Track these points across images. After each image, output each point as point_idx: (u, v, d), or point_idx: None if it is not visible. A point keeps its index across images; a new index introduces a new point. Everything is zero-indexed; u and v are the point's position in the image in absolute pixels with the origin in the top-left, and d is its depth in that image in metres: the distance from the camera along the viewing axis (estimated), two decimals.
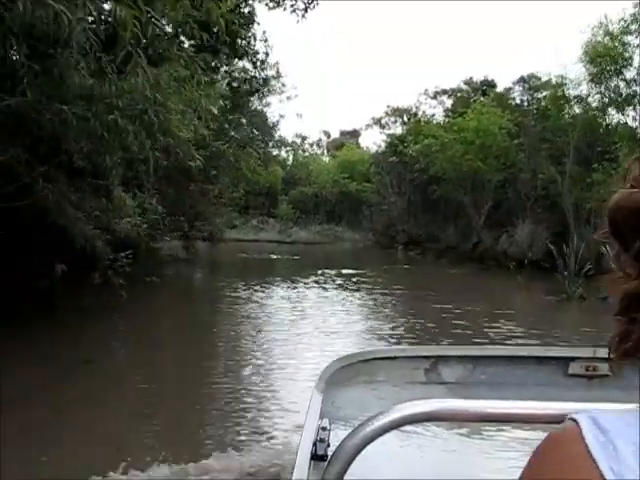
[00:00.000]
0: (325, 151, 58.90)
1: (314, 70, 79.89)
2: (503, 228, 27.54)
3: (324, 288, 18.88)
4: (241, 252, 30.97)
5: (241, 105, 28.22)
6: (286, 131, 66.65)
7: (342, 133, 59.43)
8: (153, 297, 15.08)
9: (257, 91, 28.22)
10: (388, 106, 37.62)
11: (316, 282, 20.02)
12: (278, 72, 30.35)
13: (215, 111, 11.57)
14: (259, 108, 31.98)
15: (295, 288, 18.78)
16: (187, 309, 14.42)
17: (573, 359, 1.75)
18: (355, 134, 57.02)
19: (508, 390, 1.72)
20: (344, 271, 23.36)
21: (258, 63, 23.27)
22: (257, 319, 13.66)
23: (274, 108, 39.87)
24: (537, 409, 1.05)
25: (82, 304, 12.70)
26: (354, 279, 21.09)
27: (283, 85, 31.28)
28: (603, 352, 1.47)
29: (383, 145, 38.83)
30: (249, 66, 22.72)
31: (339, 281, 20.41)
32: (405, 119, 36.22)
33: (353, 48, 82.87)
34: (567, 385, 1.72)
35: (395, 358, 1.85)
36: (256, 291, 17.54)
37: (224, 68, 19.32)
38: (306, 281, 20.00)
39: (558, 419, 0.62)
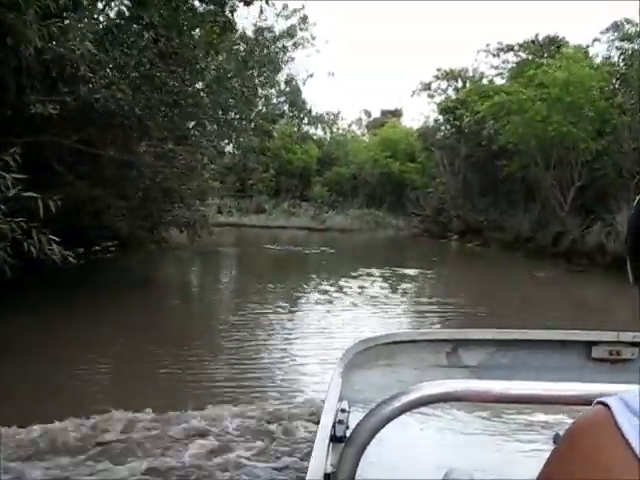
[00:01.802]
0: (365, 131, 52.70)
1: (353, 45, 72.61)
2: (592, 214, 20.28)
3: (381, 311, 11.62)
4: (265, 243, 24.50)
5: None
6: (322, 107, 60.29)
7: (383, 112, 53.94)
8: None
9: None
10: (439, 69, 30.34)
11: (364, 299, 12.91)
12: (305, 19, 23.58)
13: None
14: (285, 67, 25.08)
15: (333, 309, 11.69)
16: None
17: (596, 343, 1.70)
18: (397, 113, 51.76)
19: (529, 373, 1.64)
20: (398, 270, 17.00)
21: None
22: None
23: (304, 65, 33.16)
24: (559, 391, 1.00)
25: None
26: (412, 286, 14.64)
27: (312, 37, 24.59)
28: (627, 336, 1.65)
29: (432, 117, 31.77)
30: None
31: (395, 299, 13.37)
32: (460, 83, 28.85)
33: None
34: (590, 369, 1.64)
35: (416, 342, 1.80)
36: (274, 328, 10.05)
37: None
38: (350, 295, 13.12)
39: (581, 401, 0.63)
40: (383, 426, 1.05)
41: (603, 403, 0.53)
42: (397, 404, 1.04)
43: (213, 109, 13.01)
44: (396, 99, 75.93)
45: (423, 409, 1.12)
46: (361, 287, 13.96)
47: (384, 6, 63.34)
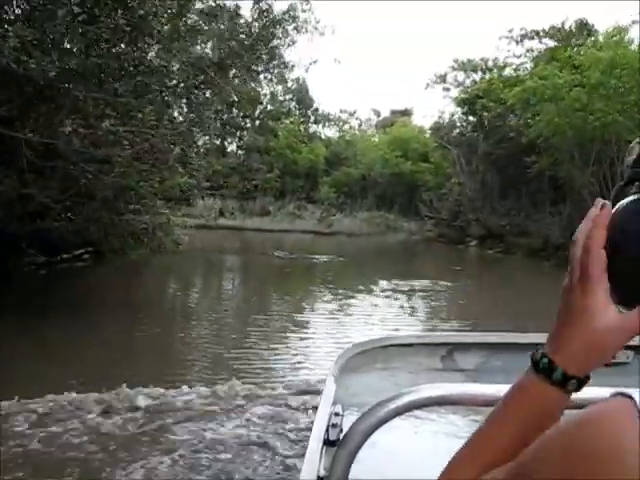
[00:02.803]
0: (374, 130, 50.16)
1: (361, 44, 69.67)
2: None
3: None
4: (268, 249, 21.58)
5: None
6: (329, 107, 57.34)
7: (393, 112, 51.39)
8: None
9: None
10: (455, 60, 27.20)
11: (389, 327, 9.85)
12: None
13: None
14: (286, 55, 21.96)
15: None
16: None
17: None
18: (407, 113, 49.14)
19: None
20: (419, 283, 14.15)
21: None
22: None
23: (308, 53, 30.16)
24: None
25: None
26: (440, 304, 12.24)
27: (317, 22, 21.55)
28: None
29: (448, 112, 28.67)
30: None
31: (428, 323, 10.71)
32: (480, 74, 25.71)
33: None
34: (596, 372, 1.17)
35: (411, 345, 1.75)
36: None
37: None
38: (370, 324, 10.06)
39: (577, 404, 0.61)
40: (376, 429, 1.04)
41: (624, 394, 0.52)
42: (390, 407, 1.04)
43: (179, 82, 9.93)
44: (406, 99, 72.96)
45: (418, 413, 1.18)
46: (378, 306, 11.13)
47: (391, 4, 60.06)
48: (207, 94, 12.21)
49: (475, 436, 0.65)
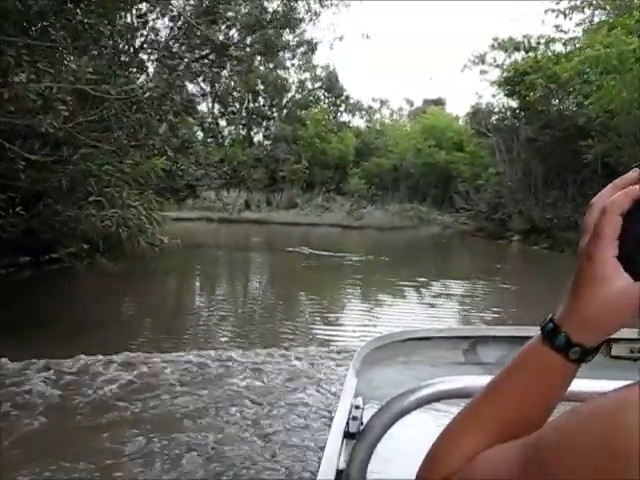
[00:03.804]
0: (406, 120, 47.97)
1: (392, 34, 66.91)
2: None
3: None
4: (294, 244, 19.02)
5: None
6: (361, 94, 54.72)
7: (426, 101, 48.98)
8: None
9: None
10: (495, 38, 24.48)
11: None
12: None
13: None
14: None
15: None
16: None
17: (617, 340, 1.60)
18: (440, 102, 47.17)
19: None
20: (470, 284, 12.48)
21: None
22: None
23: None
24: (579, 388, 0.92)
25: None
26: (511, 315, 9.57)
27: None
28: None
29: (486, 96, 26.09)
30: None
31: None
32: (522, 52, 22.97)
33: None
34: (609, 366, 1.44)
35: (432, 339, 1.73)
36: None
37: None
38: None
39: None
40: (395, 421, 1.03)
41: None
42: (410, 400, 1.03)
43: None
44: (439, 88, 69.88)
45: (439, 406, 1.11)
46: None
47: None
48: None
49: (468, 407, 0.61)
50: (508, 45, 23.41)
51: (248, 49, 15.97)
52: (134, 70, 7.42)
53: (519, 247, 21.50)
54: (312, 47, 21.68)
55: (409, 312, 10.07)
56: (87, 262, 8.21)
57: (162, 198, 11.05)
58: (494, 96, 24.35)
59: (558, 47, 20.37)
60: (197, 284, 14.15)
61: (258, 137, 40.09)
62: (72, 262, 8.00)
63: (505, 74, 22.14)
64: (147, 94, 7.14)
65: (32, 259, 10.21)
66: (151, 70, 11.53)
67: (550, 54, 19.90)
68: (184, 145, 11.55)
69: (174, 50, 9.37)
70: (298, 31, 17.45)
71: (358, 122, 43.43)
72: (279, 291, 12.84)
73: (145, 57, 10.13)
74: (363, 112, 43.15)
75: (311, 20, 16.89)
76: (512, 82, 21.02)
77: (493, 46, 24.29)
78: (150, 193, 7.79)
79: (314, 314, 10.01)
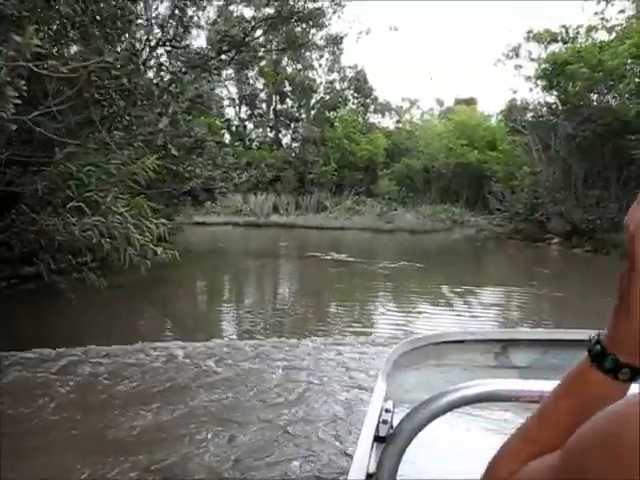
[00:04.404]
0: (437, 121, 46.74)
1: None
2: None
3: None
4: (323, 250, 17.85)
5: None
6: (390, 95, 53.36)
7: (457, 101, 47.75)
8: None
9: None
10: (529, 31, 23.02)
11: None
12: None
13: None
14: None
15: None
16: None
17: None
18: (472, 102, 45.77)
19: None
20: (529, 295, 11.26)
21: None
22: None
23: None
24: None
25: None
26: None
27: None
28: None
29: (521, 92, 24.62)
30: None
31: None
32: (560, 44, 21.48)
33: None
34: None
35: (464, 342, 1.66)
36: None
37: None
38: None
39: None
40: (425, 425, 1.01)
41: None
42: (440, 403, 1.01)
43: None
44: (471, 87, 68.25)
45: (470, 409, 1.05)
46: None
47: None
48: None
49: (523, 428, 0.61)
50: (545, 36, 21.96)
51: (268, 45, 15.04)
52: (127, 52, 6.44)
53: (560, 250, 20.03)
54: (337, 41, 20.57)
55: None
56: (73, 278, 7.22)
57: (168, 202, 10.03)
58: (531, 90, 22.94)
59: (601, 35, 18.97)
60: (204, 297, 12.65)
61: (286, 139, 39.31)
62: (52, 279, 7.02)
63: (543, 66, 20.71)
64: (135, 80, 6.16)
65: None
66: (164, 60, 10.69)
67: (591, 44, 18.46)
68: (197, 144, 10.60)
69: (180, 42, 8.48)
70: (322, 23, 16.26)
71: (387, 123, 42.46)
72: (296, 312, 11.55)
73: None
74: (392, 112, 42.06)
75: (335, 12, 15.78)
76: (551, 74, 19.57)
77: (528, 38, 22.86)
78: (142, 197, 6.76)
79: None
